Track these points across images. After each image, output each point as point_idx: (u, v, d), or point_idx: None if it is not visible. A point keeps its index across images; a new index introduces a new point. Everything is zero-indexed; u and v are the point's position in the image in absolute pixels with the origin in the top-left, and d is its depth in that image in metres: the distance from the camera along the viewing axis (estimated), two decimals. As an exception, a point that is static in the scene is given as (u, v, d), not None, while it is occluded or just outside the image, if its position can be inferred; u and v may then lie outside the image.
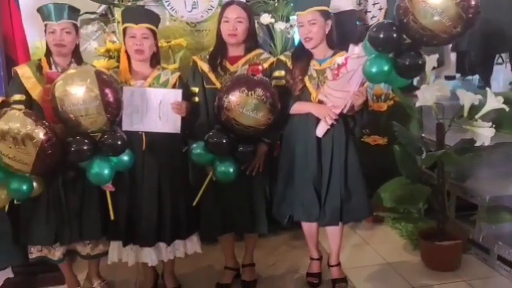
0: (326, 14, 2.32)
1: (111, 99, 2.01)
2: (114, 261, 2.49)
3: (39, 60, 2.31)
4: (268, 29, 3.51)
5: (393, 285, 2.61)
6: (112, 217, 2.27)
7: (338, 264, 2.62)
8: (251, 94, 2.14)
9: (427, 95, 2.46)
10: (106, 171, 2.10)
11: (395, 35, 1.97)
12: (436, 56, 2.61)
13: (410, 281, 2.63)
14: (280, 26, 3.45)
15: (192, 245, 2.52)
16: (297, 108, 2.37)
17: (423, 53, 2.08)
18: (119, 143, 2.08)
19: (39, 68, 2.27)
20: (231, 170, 2.26)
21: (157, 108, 2.26)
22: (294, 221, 2.56)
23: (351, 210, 2.42)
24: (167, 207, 2.37)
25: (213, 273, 2.75)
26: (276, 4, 3.55)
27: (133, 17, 2.33)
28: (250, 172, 2.41)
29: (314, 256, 2.66)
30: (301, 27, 2.32)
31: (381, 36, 1.97)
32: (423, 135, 3.06)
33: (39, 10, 2.26)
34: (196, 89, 2.44)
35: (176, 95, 2.30)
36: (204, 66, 2.44)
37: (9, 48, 2.74)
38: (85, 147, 2.05)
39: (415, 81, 3.76)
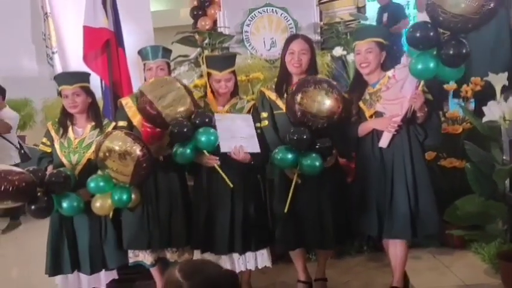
0: (381, 46, 2.49)
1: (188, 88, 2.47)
2: (197, 270, 2.77)
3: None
4: (342, 61, 3.75)
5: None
6: (231, 185, 2.53)
7: None
8: (318, 87, 2.36)
9: (494, 110, 2.48)
10: (212, 137, 2.45)
11: (430, 32, 2.11)
12: (505, 74, 2.63)
13: (488, 301, 2.55)
14: (352, 57, 3.65)
15: (263, 259, 2.70)
16: (362, 129, 2.51)
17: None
18: (206, 119, 2.47)
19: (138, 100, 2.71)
20: (317, 163, 2.40)
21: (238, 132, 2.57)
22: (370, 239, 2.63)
23: (421, 224, 2.42)
24: (238, 219, 2.60)
25: (288, 287, 2.89)
26: (348, 37, 3.80)
27: (216, 64, 2.65)
28: (322, 191, 2.56)
29: None
30: (358, 55, 2.51)
31: (418, 35, 2.13)
32: (504, 157, 2.99)
33: (139, 52, 2.73)
34: (265, 114, 2.69)
35: (247, 118, 2.61)
36: (271, 95, 2.70)
37: (117, 88, 3.28)
38: (185, 129, 2.42)
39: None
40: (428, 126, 2.40)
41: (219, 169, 2.52)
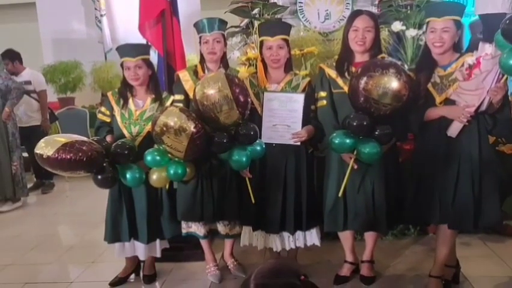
0: (458, 24, 2.34)
1: (240, 95, 2.33)
2: (245, 244, 2.84)
3: (196, 66, 2.77)
4: (399, 36, 3.58)
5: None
6: (253, 201, 2.59)
7: (438, 277, 2.51)
8: (386, 72, 2.23)
9: None
10: (244, 159, 2.45)
11: None
12: None
13: (542, 295, 2.48)
14: (411, 33, 3.48)
15: (311, 237, 2.74)
16: (430, 114, 2.39)
17: None
18: (252, 133, 2.43)
19: (195, 72, 2.72)
20: (375, 150, 2.33)
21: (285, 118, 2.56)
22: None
23: (483, 215, 2.34)
24: (291, 199, 2.62)
25: (333, 267, 2.89)
26: (408, 12, 3.61)
27: (268, 30, 2.64)
28: (376, 174, 2.51)
29: (447, 262, 2.57)
30: (432, 33, 2.35)
31: None
32: None
33: (195, 25, 2.69)
34: (323, 93, 2.63)
35: (299, 99, 2.56)
36: (331, 73, 2.61)
37: (170, 58, 3.27)
38: (225, 140, 2.41)
39: None
40: (498, 118, 2.29)
41: (248, 183, 2.58)
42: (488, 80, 2.17)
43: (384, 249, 3.07)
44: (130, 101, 2.65)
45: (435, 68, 2.39)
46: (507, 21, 1.97)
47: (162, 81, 3.24)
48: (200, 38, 2.70)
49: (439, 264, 2.51)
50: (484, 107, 2.25)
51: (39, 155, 2.21)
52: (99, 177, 2.34)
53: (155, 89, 2.67)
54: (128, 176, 2.42)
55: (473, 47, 2.41)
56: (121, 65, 2.62)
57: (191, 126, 2.31)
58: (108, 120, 2.69)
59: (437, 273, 2.51)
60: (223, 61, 2.73)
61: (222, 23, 2.71)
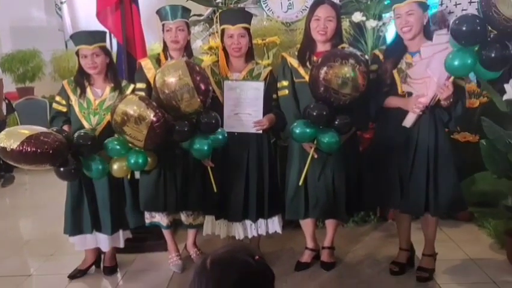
0: (423, 6, 2.35)
1: (201, 83, 2.31)
2: (208, 233, 2.84)
3: (158, 54, 2.73)
4: (359, 27, 3.63)
5: (473, 278, 2.60)
6: (215, 189, 2.60)
7: (431, 255, 2.60)
8: (345, 62, 2.26)
9: (517, 89, 2.43)
10: (206, 147, 2.45)
11: (478, 28, 1.98)
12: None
13: (492, 276, 2.59)
14: (371, 23, 3.55)
15: (273, 225, 2.77)
16: (389, 102, 2.45)
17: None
18: (213, 121, 2.42)
19: (158, 61, 2.68)
20: (334, 140, 2.38)
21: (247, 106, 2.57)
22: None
23: (439, 202, 2.42)
24: (253, 188, 2.64)
25: (294, 254, 2.94)
26: (368, 2, 3.67)
27: (229, 18, 2.62)
28: (336, 162, 2.55)
29: (402, 246, 2.69)
30: (398, 19, 2.36)
31: (464, 29, 1.99)
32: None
33: (158, 12, 2.65)
34: (285, 83, 2.64)
35: (259, 86, 2.57)
36: (293, 62, 2.63)
37: (130, 46, 3.21)
38: (186, 128, 2.39)
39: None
40: (452, 113, 2.36)
41: (210, 172, 2.59)
42: (434, 69, 2.22)
43: (344, 236, 3.14)
44: (88, 90, 2.58)
45: (405, 54, 2.41)
46: (456, 21, 2.02)
47: (122, 69, 3.18)
48: (163, 25, 2.66)
49: (430, 243, 2.60)
50: (432, 103, 2.30)
51: (2, 148, 2.11)
52: (62, 169, 2.28)
53: (114, 77, 2.61)
54: (91, 167, 2.37)
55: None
56: (77, 53, 2.55)
57: (151, 115, 2.28)
58: (64, 109, 2.61)
59: (429, 251, 2.60)
60: (187, 50, 2.70)
61: (186, 11, 2.67)
